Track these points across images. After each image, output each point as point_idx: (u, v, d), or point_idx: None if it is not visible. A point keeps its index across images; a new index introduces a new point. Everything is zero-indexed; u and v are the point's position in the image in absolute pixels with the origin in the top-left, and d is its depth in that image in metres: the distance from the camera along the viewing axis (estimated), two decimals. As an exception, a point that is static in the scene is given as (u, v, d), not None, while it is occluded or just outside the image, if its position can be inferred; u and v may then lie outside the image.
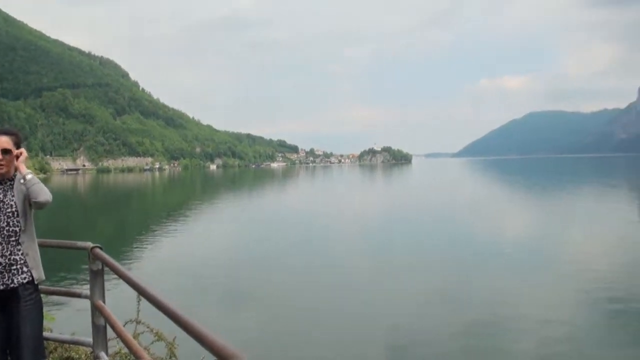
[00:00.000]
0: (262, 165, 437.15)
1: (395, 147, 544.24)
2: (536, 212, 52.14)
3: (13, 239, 4.99)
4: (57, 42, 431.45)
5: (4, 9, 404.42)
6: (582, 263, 26.33)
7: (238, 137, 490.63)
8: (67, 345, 7.18)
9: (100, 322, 5.71)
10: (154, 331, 6.77)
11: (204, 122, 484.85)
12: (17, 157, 5.09)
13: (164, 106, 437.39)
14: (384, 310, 18.99)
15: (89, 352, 6.89)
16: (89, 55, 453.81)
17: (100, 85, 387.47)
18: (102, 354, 5.77)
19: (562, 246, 32.06)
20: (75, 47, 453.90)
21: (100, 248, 5.65)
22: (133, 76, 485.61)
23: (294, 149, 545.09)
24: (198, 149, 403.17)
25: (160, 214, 60.33)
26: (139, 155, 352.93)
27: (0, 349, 4.99)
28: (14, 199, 5.03)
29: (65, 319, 12.90)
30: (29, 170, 5.05)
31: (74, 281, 21.89)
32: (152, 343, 6.86)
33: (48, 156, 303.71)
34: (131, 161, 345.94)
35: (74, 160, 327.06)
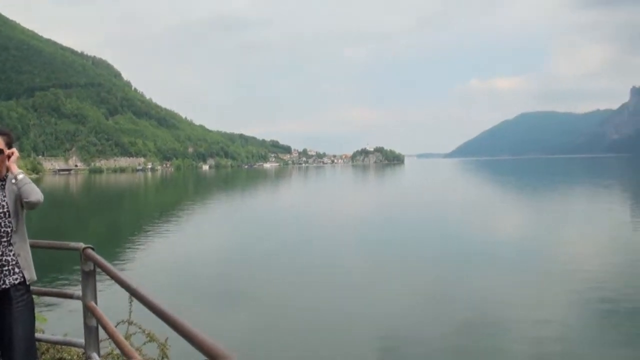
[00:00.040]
0: (255, 166, 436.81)
1: (387, 147, 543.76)
2: (528, 213, 52.26)
3: (5, 239, 4.97)
4: (49, 42, 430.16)
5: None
6: (574, 263, 26.40)
7: (231, 138, 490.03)
8: (59, 347, 7.16)
9: (92, 323, 5.69)
10: (146, 332, 6.75)
11: (197, 122, 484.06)
12: (9, 157, 5.06)
13: (157, 106, 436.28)
14: (376, 309, 19.02)
15: (80, 353, 6.88)
16: (81, 55, 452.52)
17: (93, 85, 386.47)
18: (94, 355, 5.75)
19: (554, 247, 32.14)
20: (67, 46, 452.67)
21: (92, 249, 5.63)
22: (125, 76, 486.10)
23: (287, 150, 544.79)
24: (190, 149, 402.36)
25: (153, 214, 60.26)
26: (132, 156, 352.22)
27: (-7, 350, 4.97)
28: (6, 199, 5.00)
29: (57, 320, 12.89)
30: (20, 170, 5.03)
31: (65, 282, 21.85)
32: (144, 344, 6.85)
33: (40, 156, 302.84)
34: (123, 161, 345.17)
35: (66, 160, 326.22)
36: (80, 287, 5.87)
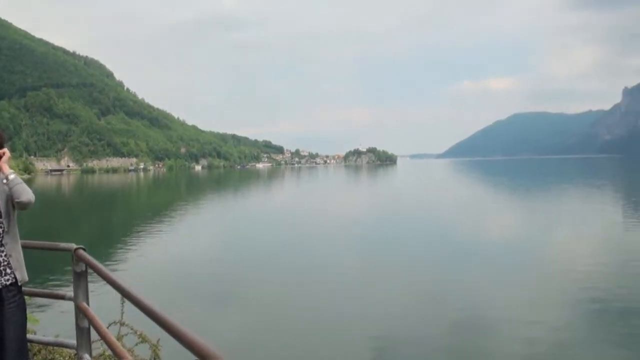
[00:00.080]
0: (248, 166, 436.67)
1: (380, 148, 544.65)
2: (520, 213, 52.40)
3: (-4, 240, 4.96)
4: (41, 42, 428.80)
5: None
6: (567, 264, 26.46)
7: (223, 138, 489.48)
8: (51, 348, 7.14)
9: (84, 324, 5.67)
10: (138, 333, 6.73)
11: (189, 122, 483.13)
12: (0, 157, 5.05)
13: (149, 106, 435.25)
14: (370, 310, 19.03)
15: (72, 354, 6.86)
16: (73, 55, 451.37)
17: (85, 85, 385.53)
18: (86, 356, 5.73)
19: (546, 247, 32.24)
20: (59, 46, 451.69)
21: (84, 249, 5.61)
22: (118, 76, 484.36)
23: (280, 150, 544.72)
24: (183, 150, 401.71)
25: (145, 214, 60.20)
26: (124, 156, 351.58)
27: (-16, 351, 4.95)
28: (-3, 199, 4.99)
29: (49, 321, 12.86)
30: (11, 171, 5.01)
31: (57, 283, 21.77)
32: (136, 345, 6.83)
33: (32, 157, 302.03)
34: (116, 162, 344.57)
35: (58, 160, 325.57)
36: (72, 288, 5.85)
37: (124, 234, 41.59)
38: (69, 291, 6.12)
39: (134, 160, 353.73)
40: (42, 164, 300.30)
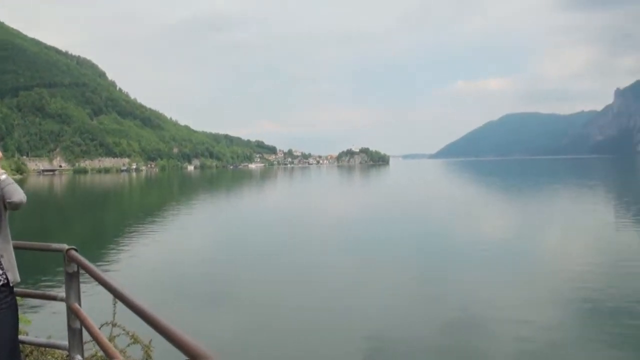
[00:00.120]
0: (240, 166, 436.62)
1: (373, 148, 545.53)
2: (512, 213, 52.44)
3: (-13, 241, 4.94)
4: (34, 41, 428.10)
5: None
6: (559, 263, 26.55)
7: (216, 138, 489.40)
8: (43, 349, 7.13)
9: (76, 325, 5.66)
10: (130, 334, 6.71)
11: (182, 122, 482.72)
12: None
13: (141, 106, 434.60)
14: (361, 309, 19.04)
15: (64, 356, 6.85)
16: (65, 55, 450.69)
17: (77, 85, 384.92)
18: (78, 357, 5.72)
19: (538, 247, 32.33)
20: (52, 46, 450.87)
21: (76, 250, 5.60)
22: (110, 76, 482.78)
23: (272, 150, 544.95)
24: (175, 150, 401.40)
25: (137, 215, 60.10)
26: (116, 156, 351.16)
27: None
28: (-12, 200, 4.97)
29: (41, 322, 12.85)
30: (3, 171, 5.00)
31: (49, 284, 21.72)
32: (128, 345, 6.82)
33: (24, 157, 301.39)
34: (108, 162, 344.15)
35: (51, 160, 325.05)
36: (64, 288, 5.83)
37: (116, 234, 41.50)
38: (60, 292, 6.10)
39: (127, 160, 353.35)
40: (34, 164, 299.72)
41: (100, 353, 6.58)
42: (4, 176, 4.95)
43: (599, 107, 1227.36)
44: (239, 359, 14.68)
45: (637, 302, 19.00)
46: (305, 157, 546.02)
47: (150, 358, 6.58)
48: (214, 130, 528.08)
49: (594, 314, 17.97)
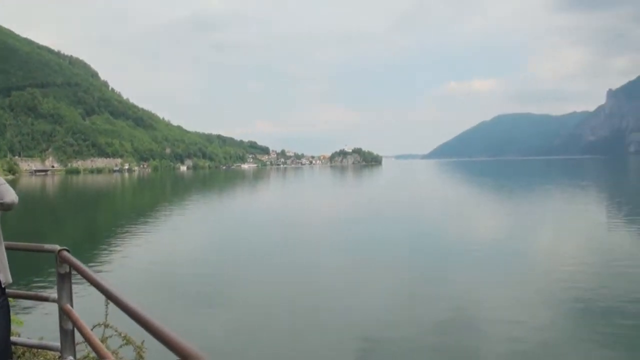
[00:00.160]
0: (233, 167, 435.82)
1: (365, 148, 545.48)
2: (503, 214, 52.52)
3: (-21, 242, 4.94)
4: (26, 41, 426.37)
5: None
6: (551, 263, 26.65)
7: (208, 138, 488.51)
8: (35, 350, 7.11)
9: (68, 326, 5.65)
10: (122, 335, 6.70)
11: (174, 122, 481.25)
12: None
13: (134, 106, 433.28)
14: (354, 309, 19.08)
15: (57, 357, 6.83)
16: (58, 54, 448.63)
17: (70, 85, 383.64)
18: (70, 359, 5.71)
19: (531, 247, 32.45)
20: (44, 45, 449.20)
21: (68, 251, 5.59)
22: (102, 76, 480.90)
23: (265, 150, 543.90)
24: (168, 150, 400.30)
25: (130, 215, 60.03)
26: (108, 156, 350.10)
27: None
28: (-20, 201, 4.96)
29: (33, 323, 12.84)
30: (-5, 172, 4.98)
31: (42, 284, 21.70)
32: (121, 347, 6.81)
33: (17, 157, 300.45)
34: (100, 162, 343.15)
35: (43, 161, 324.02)
36: (56, 289, 5.83)
37: (108, 235, 41.43)
38: (53, 293, 6.09)
39: (119, 160, 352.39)
40: (26, 165, 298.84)
41: (93, 354, 6.57)
42: (-5, 177, 4.94)
43: (591, 108, 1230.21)
44: (230, 359, 14.70)
45: (628, 302, 19.07)
46: (298, 157, 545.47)
47: (143, 359, 6.58)
48: (206, 131, 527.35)
49: (586, 314, 18.05)
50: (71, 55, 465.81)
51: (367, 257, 29.61)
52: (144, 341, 6.21)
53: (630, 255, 28.60)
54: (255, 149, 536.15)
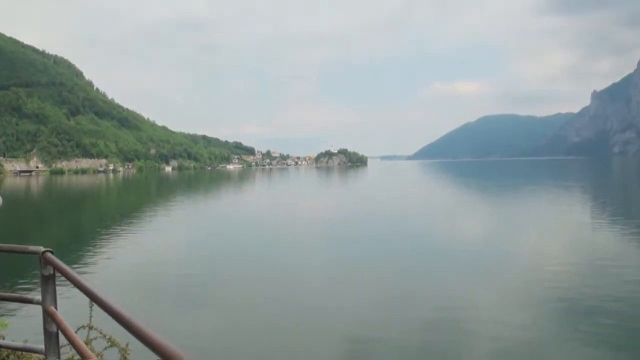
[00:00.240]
0: (218, 167, 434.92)
1: (351, 149, 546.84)
2: (488, 214, 52.69)
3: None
4: (10, 40, 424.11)
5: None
6: (535, 263, 26.77)
7: (194, 139, 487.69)
8: (20, 352, 7.07)
9: (52, 328, 5.62)
10: (107, 337, 6.68)
11: (159, 123, 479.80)
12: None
13: (119, 106, 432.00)
14: (340, 309, 19.11)
15: (41, 359, 6.80)
16: (42, 54, 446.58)
17: (54, 85, 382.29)
18: (55, 361, 5.69)
19: (514, 247, 32.60)
20: (29, 45, 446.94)
21: (52, 252, 5.56)
22: (87, 76, 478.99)
23: (251, 151, 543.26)
24: (153, 151, 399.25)
25: (114, 216, 59.82)
26: (93, 157, 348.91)
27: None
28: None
29: (17, 325, 12.72)
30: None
31: (26, 286, 21.57)
32: (105, 349, 6.78)
33: (1, 157, 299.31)
34: (85, 163, 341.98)
35: (27, 161, 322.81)
36: (40, 291, 5.80)
37: (93, 236, 41.27)
38: (37, 295, 6.06)
39: (104, 161, 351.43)
40: (10, 165, 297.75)
41: (77, 357, 6.55)
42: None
43: (576, 110, 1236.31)
44: (213, 359, 14.70)
45: (611, 301, 19.20)
46: (284, 158, 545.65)
47: (127, 361, 6.55)
48: (192, 131, 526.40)
49: (569, 314, 18.14)
50: (56, 55, 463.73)
51: (350, 257, 29.65)
52: (128, 343, 6.20)
53: (614, 255, 28.76)
54: (240, 149, 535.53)
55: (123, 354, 6.50)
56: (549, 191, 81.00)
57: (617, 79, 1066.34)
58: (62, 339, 5.55)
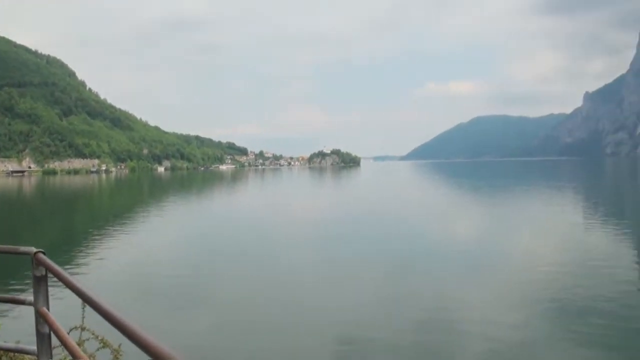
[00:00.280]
0: (211, 168, 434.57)
1: (344, 150, 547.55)
2: (481, 214, 52.74)
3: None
4: (3, 40, 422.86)
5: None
6: (527, 263, 26.81)
7: (186, 139, 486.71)
8: (12, 354, 7.05)
9: (45, 329, 5.60)
10: (99, 338, 6.67)
11: (152, 123, 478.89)
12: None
13: (111, 106, 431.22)
14: (333, 309, 19.09)
15: (33, 361, 6.78)
16: (35, 54, 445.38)
17: (47, 85, 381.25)
18: (47, 363, 5.67)
19: (507, 247, 32.67)
20: (21, 44, 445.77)
21: (44, 253, 5.55)
22: (80, 76, 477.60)
23: (243, 151, 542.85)
24: (145, 151, 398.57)
25: (107, 217, 59.72)
26: (86, 157, 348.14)
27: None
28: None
29: (9, 326, 12.71)
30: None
31: (18, 287, 21.50)
32: (98, 350, 6.77)
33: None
34: (77, 163, 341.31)
35: (20, 161, 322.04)
36: (32, 292, 5.78)
37: (85, 236, 41.11)
38: (29, 296, 6.05)
39: (96, 161, 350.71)
40: (3, 165, 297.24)
41: (69, 358, 6.53)
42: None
43: (568, 110, 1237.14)
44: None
45: (603, 301, 19.23)
46: (277, 158, 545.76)
47: (120, 362, 6.54)
48: (184, 131, 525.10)
49: (562, 313, 18.17)
50: (48, 55, 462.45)
51: (343, 257, 29.62)
52: (121, 344, 6.19)
53: (606, 255, 28.80)
54: (233, 150, 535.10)
55: (115, 355, 6.48)
56: (541, 192, 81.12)
57: (610, 80, 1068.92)
58: (55, 340, 5.53)
